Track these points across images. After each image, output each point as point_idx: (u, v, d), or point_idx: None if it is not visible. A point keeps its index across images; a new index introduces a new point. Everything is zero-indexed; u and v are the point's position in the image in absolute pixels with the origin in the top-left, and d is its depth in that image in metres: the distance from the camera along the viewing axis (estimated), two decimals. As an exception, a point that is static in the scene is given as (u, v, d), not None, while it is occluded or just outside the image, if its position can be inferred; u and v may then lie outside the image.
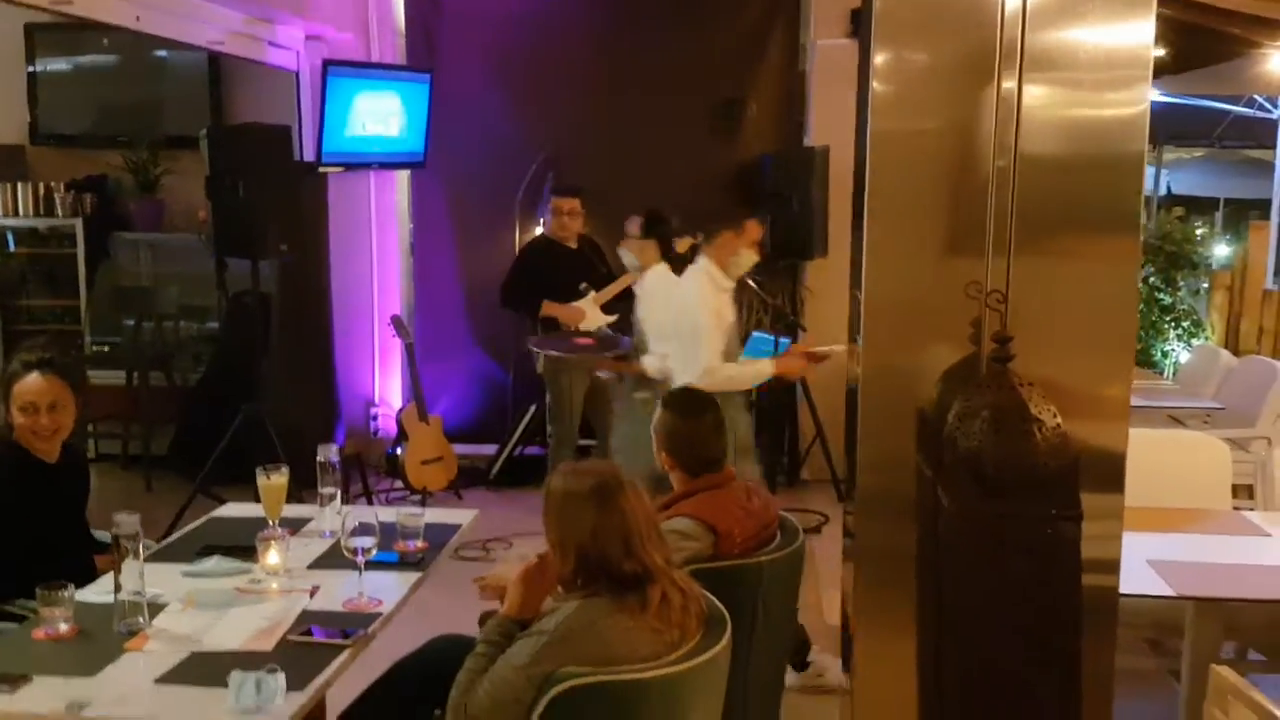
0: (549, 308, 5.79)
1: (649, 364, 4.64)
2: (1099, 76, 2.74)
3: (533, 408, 6.85)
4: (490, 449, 7.01)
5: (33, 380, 3.17)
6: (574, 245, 5.91)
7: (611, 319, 5.90)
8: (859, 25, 6.84)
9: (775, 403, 6.64)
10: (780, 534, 3.01)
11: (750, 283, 6.37)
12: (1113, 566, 2.78)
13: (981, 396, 2.56)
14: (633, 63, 7.04)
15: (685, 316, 4.33)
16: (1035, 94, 2.74)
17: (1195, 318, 8.85)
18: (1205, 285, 9.22)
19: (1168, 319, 8.71)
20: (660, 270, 4.89)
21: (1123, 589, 2.80)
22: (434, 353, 7.09)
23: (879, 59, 2.82)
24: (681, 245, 5.83)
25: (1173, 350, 8.69)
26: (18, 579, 2.93)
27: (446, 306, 7.34)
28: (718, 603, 2.42)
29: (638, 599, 2.24)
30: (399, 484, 6.55)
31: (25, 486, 3.18)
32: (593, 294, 5.84)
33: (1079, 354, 2.81)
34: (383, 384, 7.38)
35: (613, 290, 5.86)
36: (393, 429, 7.01)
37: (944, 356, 2.85)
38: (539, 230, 6.94)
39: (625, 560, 2.26)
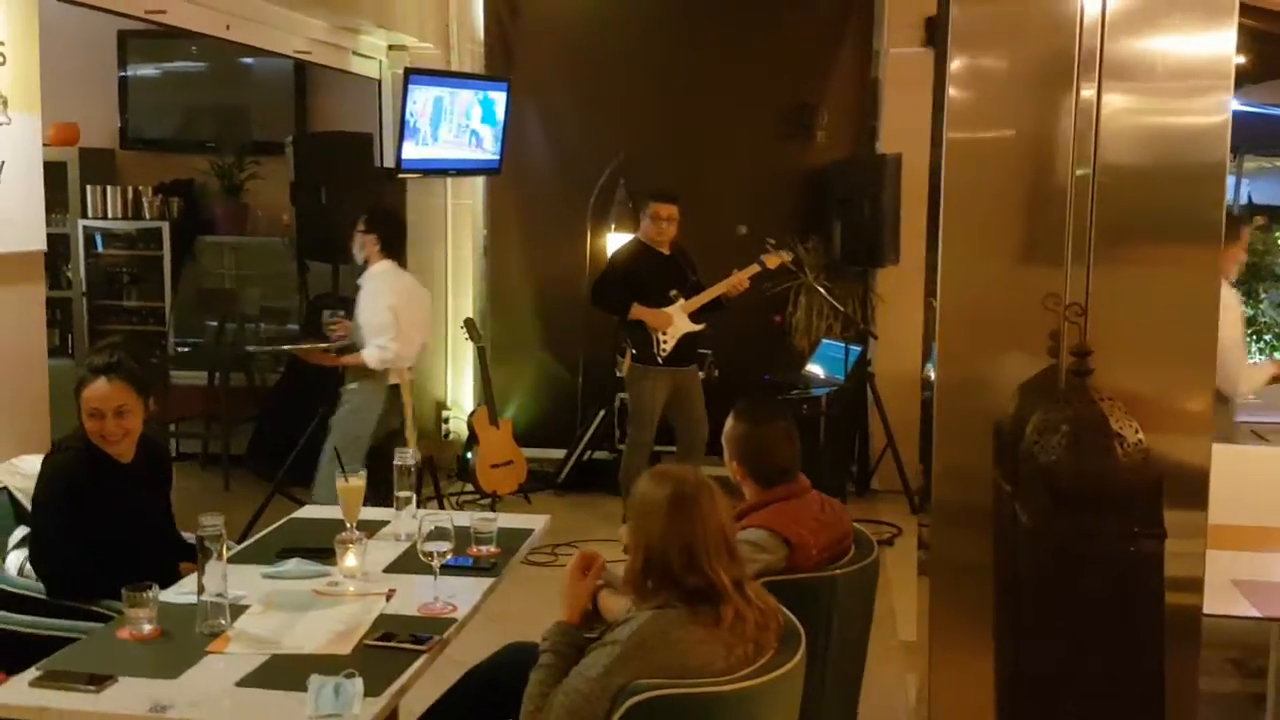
0: (638, 311, 5.80)
1: (368, 356, 5.24)
2: (1179, 85, 2.71)
3: (602, 412, 6.88)
4: (559, 453, 7.05)
5: (100, 386, 3.20)
6: (667, 251, 5.92)
7: (699, 327, 5.89)
8: (933, 33, 6.88)
9: (846, 411, 6.60)
10: (855, 547, 2.99)
11: (820, 288, 6.38)
12: (1196, 585, 2.73)
13: (1060, 410, 2.53)
14: (705, 69, 7.05)
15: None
16: (1114, 103, 2.71)
17: (1277, 330, 8.62)
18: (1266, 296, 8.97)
19: (1250, 332, 8.49)
20: (382, 267, 5.29)
21: (1206, 609, 2.75)
22: (505, 356, 7.16)
23: (955, 66, 2.80)
24: (772, 261, 5.84)
25: (1255, 363, 8.46)
26: (103, 580, 3.01)
27: (518, 310, 7.41)
28: (792, 617, 2.41)
29: (711, 612, 2.23)
30: (469, 487, 6.61)
31: (102, 487, 3.23)
32: (682, 301, 5.84)
33: (1160, 367, 2.77)
34: (455, 386, 7.45)
35: (702, 299, 5.86)
36: (463, 432, 7.08)
37: (1021, 368, 2.82)
38: (611, 234, 6.98)
39: (688, 573, 2.25)
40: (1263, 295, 8.67)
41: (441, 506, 6.28)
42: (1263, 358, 8.43)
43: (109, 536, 3.20)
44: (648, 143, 7.03)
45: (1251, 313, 8.49)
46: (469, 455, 6.59)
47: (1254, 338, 8.52)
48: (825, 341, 6.80)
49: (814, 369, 6.74)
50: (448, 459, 7.09)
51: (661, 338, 5.82)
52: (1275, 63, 6.74)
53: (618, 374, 5.98)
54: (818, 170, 7.03)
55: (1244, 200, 13.05)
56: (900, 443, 6.58)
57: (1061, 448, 2.47)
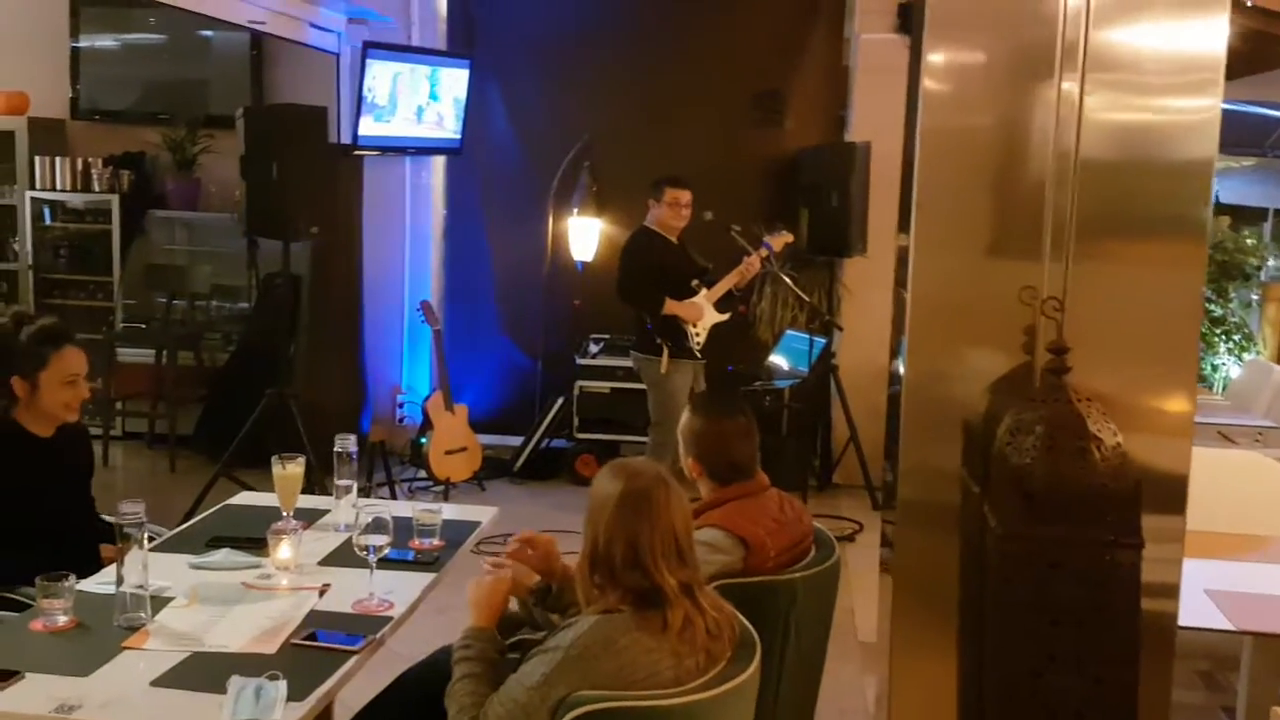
0: (671, 306, 5.62)
1: None
2: (1166, 79, 2.59)
3: (560, 400, 6.74)
4: (516, 440, 6.90)
5: (74, 352, 3.10)
6: (677, 240, 5.77)
7: (725, 316, 5.76)
8: (906, 20, 6.75)
9: (808, 403, 6.48)
10: (815, 547, 2.86)
11: (785, 278, 6.25)
12: (1172, 593, 2.62)
13: (1035, 410, 2.40)
14: (672, 52, 6.92)
15: None
16: (1097, 95, 2.60)
17: (1247, 331, 8.59)
18: (1256, 297, 8.95)
19: (1218, 331, 8.46)
20: None
21: (1179, 620, 2.64)
22: (463, 341, 7.02)
23: (932, 55, 2.67)
24: (777, 242, 5.75)
25: (1223, 364, 8.44)
26: (21, 564, 2.83)
27: (478, 294, 7.26)
28: (748, 625, 2.27)
29: (658, 618, 2.09)
30: (422, 473, 6.45)
31: (22, 465, 3.07)
32: (704, 291, 5.70)
33: (1138, 367, 2.65)
34: (411, 370, 7.28)
35: (723, 287, 5.72)
36: (419, 416, 6.91)
37: (993, 364, 2.70)
38: (573, 218, 6.83)
39: (630, 570, 2.12)
40: (1232, 294, 8.64)
41: (393, 493, 6.12)
42: (1231, 358, 8.40)
43: (27, 518, 3.03)
44: (613, 126, 6.89)
45: (1220, 312, 8.46)
46: (423, 440, 6.43)
47: (1223, 337, 8.49)
48: (790, 333, 6.68)
49: (777, 360, 6.61)
50: (400, 444, 6.91)
51: (694, 330, 5.67)
52: (1241, 59, 6.68)
53: (641, 371, 5.78)
54: (786, 158, 6.91)
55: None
56: (863, 437, 6.47)
57: (1036, 449, 2.34)
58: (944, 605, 2.76)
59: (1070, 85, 2.58)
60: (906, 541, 2.74)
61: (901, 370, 2.78)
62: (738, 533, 2.68)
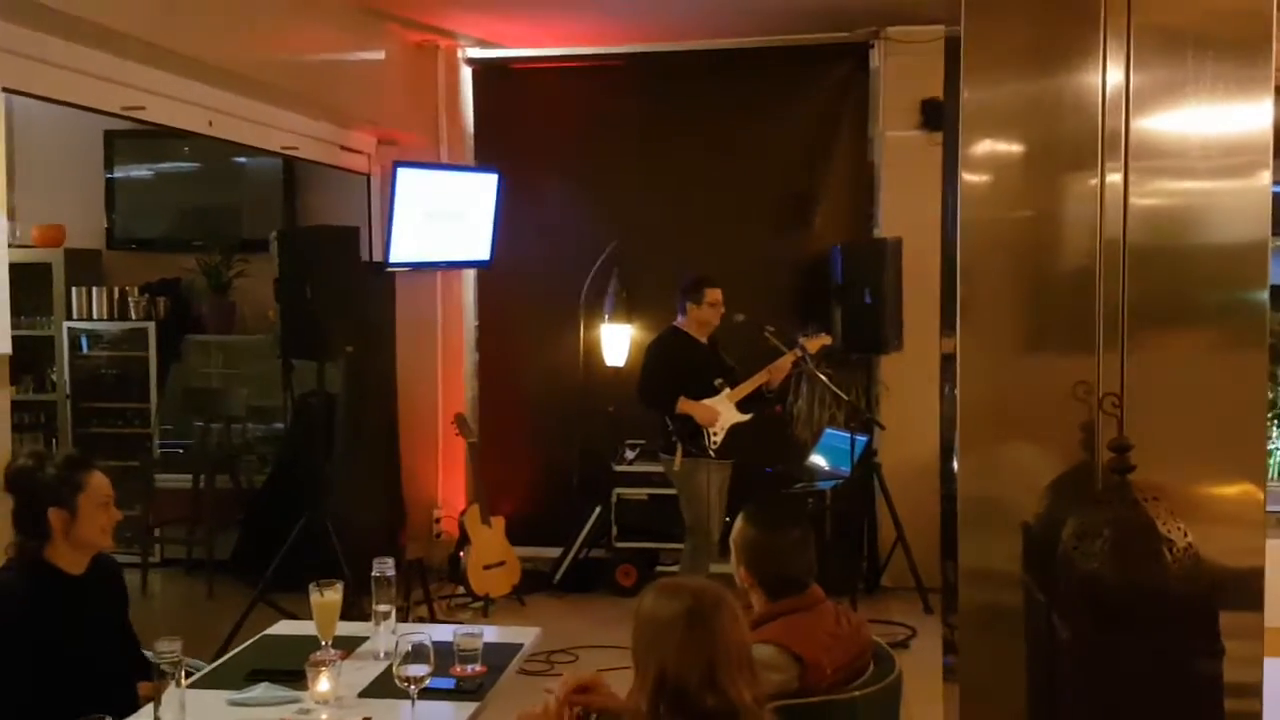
0: (685, 405, 5.59)
1: None
2: (1213, 164, 2.55)
3: (598, 509, 6.64)
4: (554, 551, 6.79)
5: (101, 475, 3.07)
6: (705, 340, 5.75)
7: (747, 417, 5.70)
8: (929, 115, 6.77)
9: (852, 504, 6.35)
10: (874, 663, 2.73)
11: (822, 376, 6.18)
12: (1254, 693, 2.49)
13: (1101, 512, 2.31)
14: (698, 157, 6.96)
15: None
16: (1142, 182, 2.55)
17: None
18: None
19: (1270, 415, 8.26)
20: None
21: (1264, 724, 2.50)
22: (497, 452, 6.93)
23: (970, 148, 2.65)
24: (812, 345, 5.71)
25: (1276, 448, 8.23)
26: (57, 712, 2.74)
27: (511, 404, 7.21)
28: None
29: None
30: (461, 590, 6.34)
31: (57, 606, 2.99)
32: (728, 390, 5.65)
33: (1204, 458, 2.57)
34: (445, 485, 7.21)
35: (748, 387, 5.68)
36: (454, 531, 6.82)
37: (1050, 464, 2.62)
38: (605, 325, 6.81)
39: (708, 693, 2.00)
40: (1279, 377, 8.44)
41: (431, 612, 6.01)
42: (1283, 442, 8.18)
43: (62, 663, 2.94)
44: (642, 233, 6.90)
45: (1271, 395, 8.27)
46: (460, 556, 6.33)
47: (1275, 421, 8.28)
48: (829, 431, 6.58)
49: (817, 460, 6.50)
50: (438, 560, 6.81)
51: (711, 430, 5.61)
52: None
53: (666, 471, 5.76)
54: (816, 257, 6.87)
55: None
56: (910, 536, 6.33)
57: (1104, 554, 2.25)
58: (1013, 714, 2.64)
59: (1114, 174, 2.54)
60: (970, 648, 2.63)
61: (955, 469, 2.68)
62: (794, 649, 2.57)
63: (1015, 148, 2.65)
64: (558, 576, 6.64)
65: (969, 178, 2.63)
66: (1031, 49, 2.59)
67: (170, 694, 2.43)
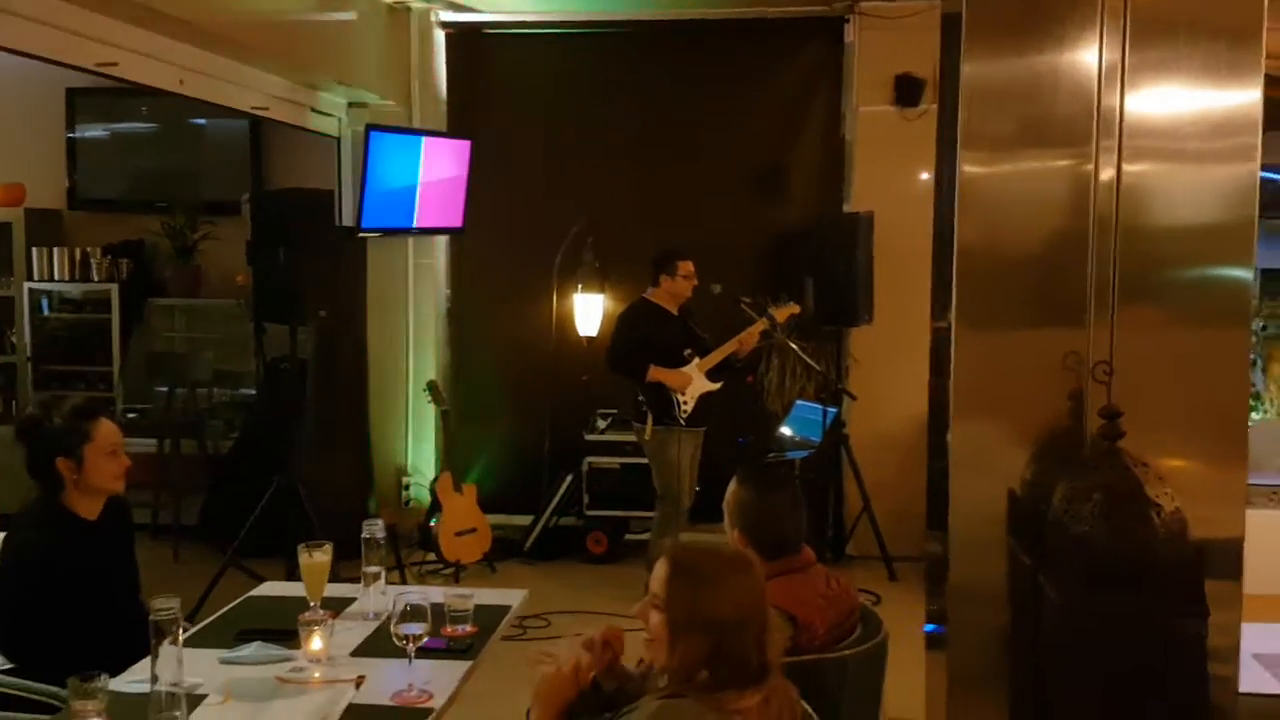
0: (656, 373, 5.62)
1: None
2: (1203, 144, 2.61)
3: (569, 477, 6.67)
4: (525, 519, 6.80)
5: (109, 423, 3.11)
6: (675, 311, 5.77)
7: (716, 386, 5.74)
8: (902, 91, 6.82)
9: (820, 473, 6.43)
10: (861, 624, 2.79)
11: (794, 346, 6.24)
12: (1232, 659, 2.57)
13: (1091, 477, 2.37)
14: (673, 128, 6.97)
15: None
16: (1135, 158, 2.61)
17: (1254, 390, 8.56)
18: (1256, 357, 8.92)
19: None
20: None
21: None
22: (468, 419, 6.93)
23: (968, 122, 2.68)
24: (781, 314, 5.76)
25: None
26: (74, 653, 2.73)
27: (482, 372, 7.20)
28: (808, 707, 2.20)
29: (738, 696, 2.00)
30: (432, 556, 6.35)
31: (71, 551, 3.03)
32: (697, 360, 5.69)
33: (1187, 429, 2.63)
34: (416, 451, 7.20)
35: (717, 356, 5.72)
36: (425, 498, 6.82)
37: (1038, 433, 2.67)
38: (578, 294, 6.82)
39: (755, 652, 2.01)
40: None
41: (403, 577, 6.02)
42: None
43: (80, 603, 2.99)
44: (615, 203, 6.91)
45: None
46: (432, 523, 6.34)
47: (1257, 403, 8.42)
48: (799, 403, 6.64)
49: (786, 431, 6.57)
50: (409, 527, 6.81)
51: (681, 399, 5.65)
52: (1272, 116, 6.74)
53: (638, 440, 5.79)
54: (789, 229, 6.93)
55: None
56: (875, 506, 6.43)
57: (1094, 517, 2.31)
58: (996, 679, 2.71)
59: (1108, 152, 2.60)
60: (959, 616, 2.68)
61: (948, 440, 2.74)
62: (788, 609, 2.60)
63: (1011, 123, 2.69)
64: (528, 544, 6.67)
65: (967, 152, 2.67)
66: (1030, 26, 2.63)
67: (166, 651, 2.42)
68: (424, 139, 6.50)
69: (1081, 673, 2.34)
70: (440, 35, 7.06)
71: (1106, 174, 2.61)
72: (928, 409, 3.03)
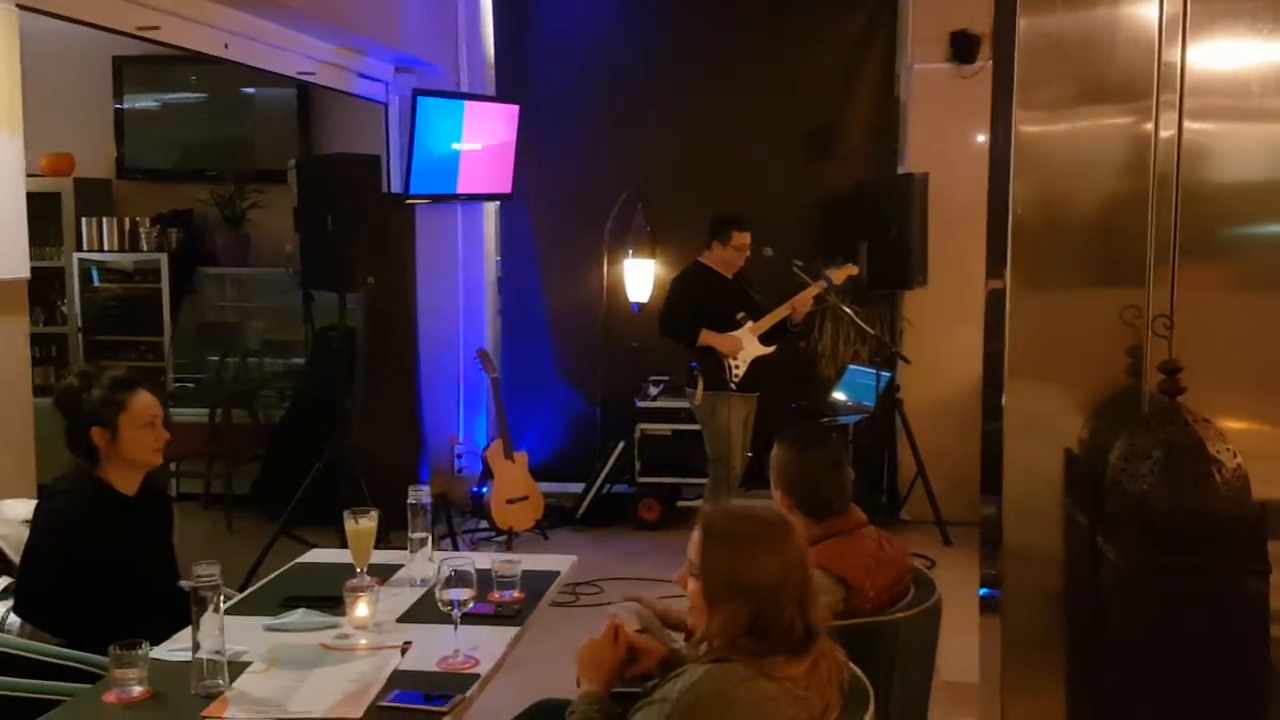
0: (707, 337, 5.58)
1: None
2: (1268, 101, 2.49)
3: (621, 444, 6.64)
4: (577, 487, 6.79)
5: (147, 394, 3.08)
6: (729, 276, 5.71)
7: (769, 350, 5.67)
8: (958, 48, 6.65)
9: (874, 437, 6.34)
10: (913, 588, 2.72)
11: (847, 310, 6.14)
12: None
13: (1150, 435, 2.28)
14: (724, 90, 6.84)
15: None
16: (1197, 115, 2.50)
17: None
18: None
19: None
20: None
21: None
22: (520, 388, 6.92)
23: (1024, 79, 2.58)
24: (838, 276, 5.68)
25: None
26: (108, 627, 2.75)
27: (533, 340, 7.17)
28: (858, 671, 2.14)
29: (784, 664, 1.95)
30: (484, 524, 6.35)
31: (109, 525, 3.02)
32: (750, 324, 5.62)
33: (1248, 386, 2.53)
34: (467, 420, 7.20)
35: (770, 320, 5.65)
36: (476, 466, 6.82)
37: (1095, 390, 2.59)
38: (629, 260, 6.76)
39: (798, 617, 1.96)
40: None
41: (455, 545, 6.02)
42: None
43: (115, 577, 2.98)
44: (666, 167, 6.83)
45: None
46: (483, 490, 6.33)
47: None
48: (852, 368, 6.55)
49: (839, 396, 6.49)
50: (461, 494, 6.82)
51: (733, 363, 5.60)
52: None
53: (689, 404, 5.76)
54: (841, 192, 6.79)
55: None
56: (930, 471, 6.33)
57: (1154, 476, 2.22)
58: (1053, 642, 2.64)
59: (1169, 110, 2.50)
60: (1015, 579, 2.61)
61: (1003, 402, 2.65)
62: (838, 572, 2.55)
63: (1069, 80, 2.59)
64: (581, 511, 6.65)
65: (1023, 111, 2.58)
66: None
67: (208, 619, 2.41)
68: (472, 103, 6.45)
69: (1141, 634, 2.26)
70: (488, -1, 7.00)
71: (1167, 131, 2.50)
72: (982, 371, 2.95)
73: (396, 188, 6.33)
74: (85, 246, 7.21)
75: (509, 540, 6.19)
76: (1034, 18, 2.59)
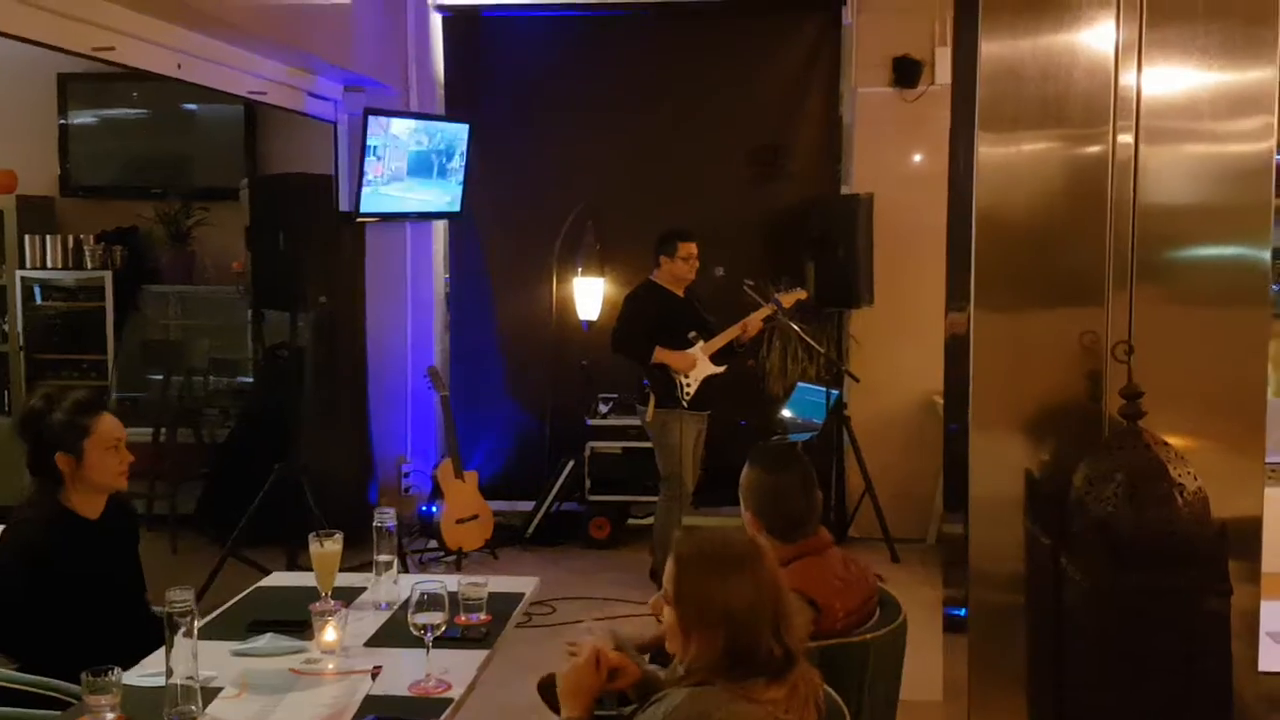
0: (661, 354, 5.61)
1: None
2: (1220, 124, 2.59)
3: (570, 462, 6.64)
4: (526, 505, 6.78)
5: (111, 418, 3.06)
6: (681, 294, 5.75)
7: (721, 369, 5.71)
8: (900, 73, 6.78)
9: (821, 455, 6.42)
10: (880, 608, 2.77)
11: (796, 329, 6.22)
12: (1252, 638, 2.56)
13: (1113, 458, 2.35)
14: (672, 110, 6.91)
15: None
16: (1152, 138, 2.59)
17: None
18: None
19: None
20: None
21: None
22: (468, 405, 6.89)
23: (986, 101, 2.66)
24: (787, 300, 5.74)
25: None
26: (74, 653, 2.71)
27: (483, 358, 7.16)
28: (831, 691, 2.18)
29: (766, 685, 1.98)
30: (433, 544, 6.32)
31: (72, 550, 2.98)
32: (701, 343, 5.66)
33: (1206, 409, 2.62)
34: (415, 438, 7.17)
35: (721, 340, 5.69)
36: (425, 485, 6.79)
37: (1055, 413, 2.66)
38: (578, 278, 6.78)
39: (775, 643, 1.99)
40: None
41: (404, 565, 5.98)
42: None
43: (80, 603, 2.94)
44: (615, 185, 6.87)
45: None
46: (432, 510, 6.31)
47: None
48: (801, 385, 6.63)
49: (787, 413, 6.56)
50: (408, 514, 6.78)
51: (685, 381, 5.63)
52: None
53: (643, 422, 5.76)
54: (788, 211, 6.89)
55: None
56: (877, 488, 6.42)
57: (1118, 498, 2.29)
58: (1016, 659, 2.70)
59: (1125, 134, 2.58)
60: (979, 599, 2.66)
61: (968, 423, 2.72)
62: (808, 594, 2.58)
63: (1029, 103, 2.67)
64: (530, 530, 6.64)
65: (985, 132, 2.65)
66: (1047, 3, 2.60)
67: (181, 644, 2.39)
68: (422, 122, 6.45)
69: (1105, 652, 2.32)
70: (438, 19, 7.00)
71: (1124, 153, 2.58)
72: (943, 392, 3.01)
73: (346, 206, 6.30)
74: (28, 264, 7.09)
75: (459, 560, 6.16)
76: (995, 42, 2.66)
